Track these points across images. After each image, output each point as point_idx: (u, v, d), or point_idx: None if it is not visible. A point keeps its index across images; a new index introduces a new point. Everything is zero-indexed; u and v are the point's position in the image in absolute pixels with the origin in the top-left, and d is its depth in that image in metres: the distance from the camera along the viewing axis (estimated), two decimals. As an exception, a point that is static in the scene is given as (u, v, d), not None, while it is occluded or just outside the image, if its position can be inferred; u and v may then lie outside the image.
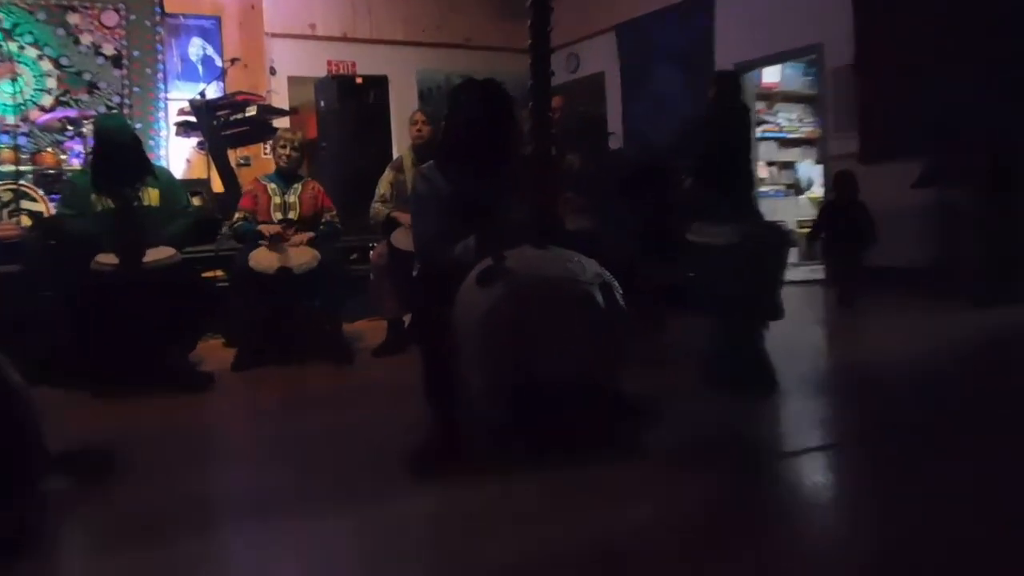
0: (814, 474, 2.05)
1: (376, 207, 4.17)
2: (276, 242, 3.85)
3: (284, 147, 4.13)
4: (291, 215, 4.07)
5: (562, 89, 5.63)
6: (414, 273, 2.65)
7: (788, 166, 8.56)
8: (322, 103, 6.29)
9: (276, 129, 5.46)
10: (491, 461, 2.11)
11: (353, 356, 3.89)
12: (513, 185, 2.48)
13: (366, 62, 7.86)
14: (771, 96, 8.22)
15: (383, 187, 4.20)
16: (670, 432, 2.35)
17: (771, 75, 7.84)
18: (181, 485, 2.18)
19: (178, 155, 7.01)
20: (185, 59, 7.23)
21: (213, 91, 6.41)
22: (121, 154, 3.51)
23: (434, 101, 7.84)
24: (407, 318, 3.99)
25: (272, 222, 4.00)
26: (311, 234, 3.98)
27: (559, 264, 2.15)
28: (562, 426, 2.12)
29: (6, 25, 6.45)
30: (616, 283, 2.19)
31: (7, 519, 1.72)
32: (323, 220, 4.15)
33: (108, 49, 6.87)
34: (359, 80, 6.18)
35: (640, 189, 4.10)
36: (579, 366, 2.11)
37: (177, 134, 6.40)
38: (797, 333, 4.03)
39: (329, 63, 7.88)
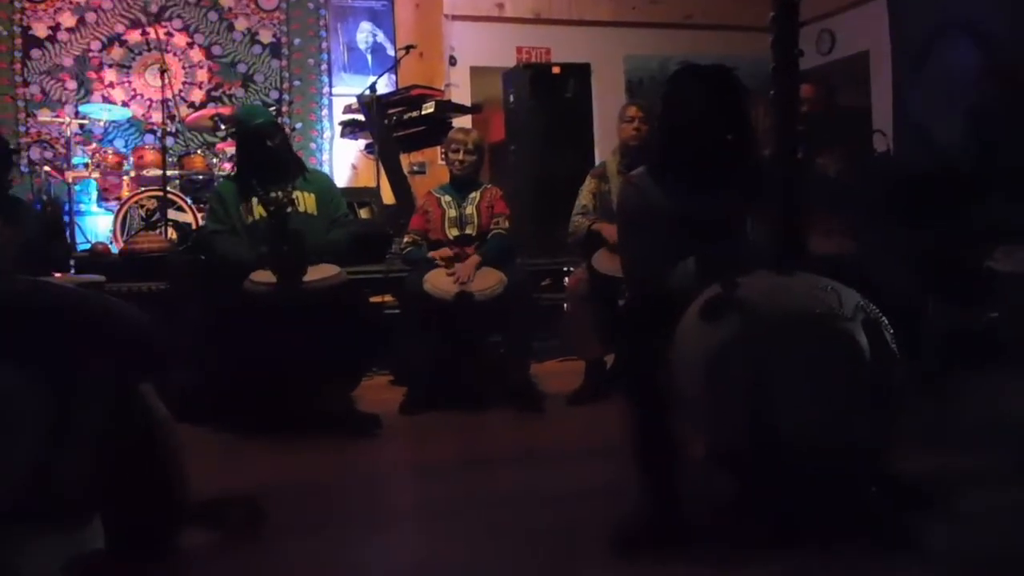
0: None
1: (576, 220, 4.26)
2: (450, 265, 4.04)
3: (457, 151, 4.32)
4: (468, 230, 4.26)
5: (813, 74, 5.47)
6: (621, 303, 2.69)
7: None
8: (511, 98, 6.53)
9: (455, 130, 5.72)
10: (717, 545, 2.09)
11: (543, 403, 3.98)
12: (747, 196, 2.46)
13: (564, 48, 8.07)
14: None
15: (584, 197, 4.29)
16: (958, 528, 2.21)
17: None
18: (335, 548, 2.31)
19: (343, 160, 7.56)
20: (352, 47, 7.77)
21: (384, 85, 6.82)
22: (266, 149, 3.81)
23: (645, 93, 7.91)
24: (610, 359, 4.03)
25: (447, 240, 4.22)
26: (477, 258, 4.09)
27: (808, 294, 2.10)
28: (811, 506, 2.06)
29: (152, 7, 7.12)
30: (885, 320, 2.10)
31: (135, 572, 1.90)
32: (491, 227, 4.26)
33: (265, 36, 7.49)
34: (556, 69, 6.37)
35: (920, 203, 3.90)
36: (836, 428, 2.04)
37: (342, 135, 6.88)
38: None
39: (519, 50, 8.16)
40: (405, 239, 4.37)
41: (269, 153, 3.85)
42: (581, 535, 2.26)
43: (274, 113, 6.44)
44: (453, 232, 4.26)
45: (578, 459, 3.15)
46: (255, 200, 3.80)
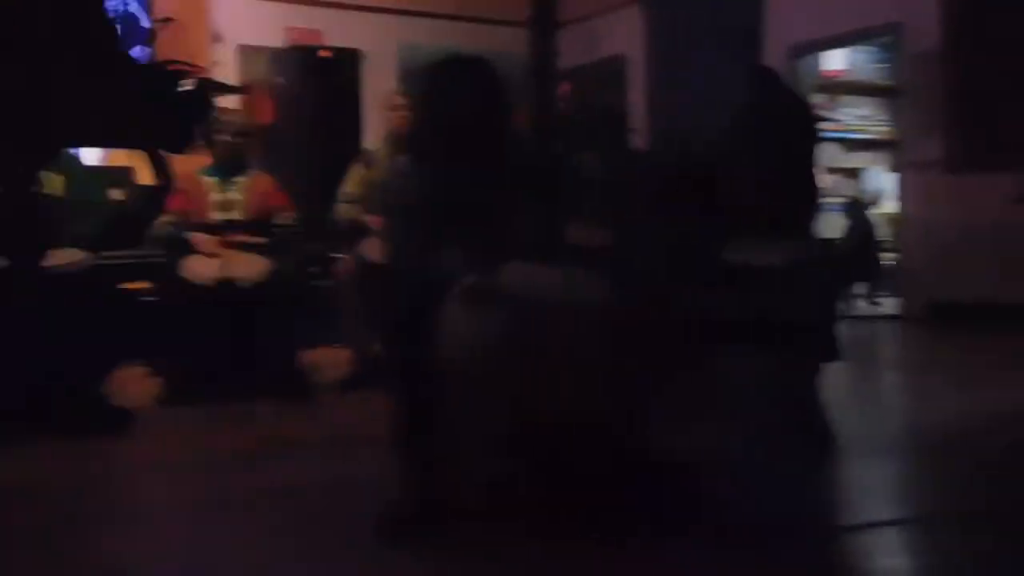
0: (884, 555, 2.07)
1: (342, 208, 4.22)
2: (212, 250, 3.89)
3: (223, 132, 4.18)
4: (234, 214, 4.12)
5: (575, 74, 5.71)
6: (388, 291, 2.69)
7: (854, 173, 8.66)
8: (280, 80, 6.36)
9: (218, 111, 5.50)
10: (480, 529, 2.13)
11: (310, 392, 3.92)
12: (507, 187, 2.52)
13: (336, 32, 7.93)
14: (835, 87, 8.34)
15: (351, 185, 4.26)
16: (708, 499, 2.35)
17: (836, 60, 7.96)
18: (76, 554, 2.17)
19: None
20: (104, 17, 7.26)
21: (140, 59, 6.45)
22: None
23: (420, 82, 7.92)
24: (378, 346, 4.01)
25: (211, 224, 4.04)
26: (260, 239, 4.02)
27: (566, 284, 2.18)
28: (571, 487, 2.13)
29: None
30: (640, 309, 2.22)
31: None
32: (276, 222, 4.18)
33: (8, 3, 6.90)
34: (326, 53, 6.27)
35: (672, 199, 4.15)
36: (594, 413, 2.13)
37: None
38: (864, 380, 4.07)
39: (289, 31, 7.95)
40: (164, 220, 4.15)
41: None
42: (347, 523, 2.24)
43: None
44: (217, 216, 4.11)
45: (345, 447, 3.12)
46: None
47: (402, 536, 2.09)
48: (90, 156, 6.54)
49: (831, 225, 7.19)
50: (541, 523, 2.13)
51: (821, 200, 3.77)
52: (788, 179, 3.30)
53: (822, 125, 5.11)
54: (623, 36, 8.42)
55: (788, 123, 3.43)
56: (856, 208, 7.43)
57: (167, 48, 6.82)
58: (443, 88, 2.55)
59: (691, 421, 3.06)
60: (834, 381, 3.05)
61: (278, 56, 6.49)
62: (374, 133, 6.41)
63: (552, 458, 2.15)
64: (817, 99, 7.75)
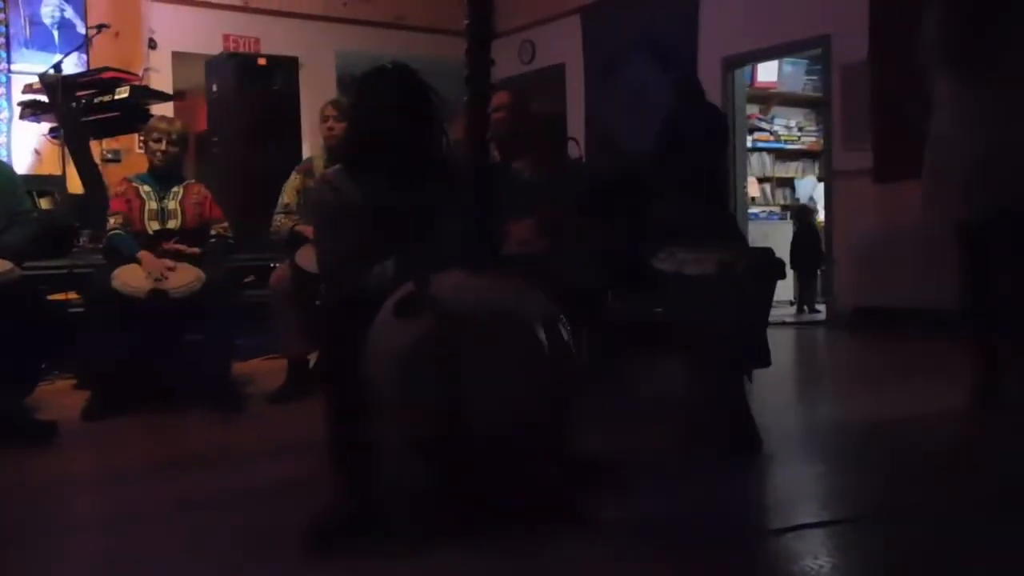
0: (807, 557, 2.12)
1: (279, 219, 4.19)
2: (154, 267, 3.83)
3: (159, 140, 4.13)
4: (171, 224, 4.08)
5: (514, 82, 5.75)
6: (320, 301, 2.69)
7: (785, 183, 8.86)
8: (215, 87, 6.29)
9: (152, 118, 5.43)
10: (409, 535, 2.14)
11: (244, 403, 3.89)
12: (440, 196, 2.54)
13: (273, 39, 7.90)
14: (767, 98, 8.54)
15: (288, 195, 4.24)
16: (632, 501, 2.41)
17: (767, 73, 8.15)
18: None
19: (23, 144, 6.92)
20: (36, 21, 7.16)
21: (73, 65, 6.35)
22: None
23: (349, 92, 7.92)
24: (313, 356, 4.00)
25: (146, 234, 4.00)
26: (196, 250, 3.97)
27: (495, 293, 2.20)
28: (496, 492, 2.17)
29: None
30: (563, 318, 2.26)
31: None
32: (211, 233, 4.15)
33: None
34: (262, 61, 6.23)
35: (604, 206, 4.20)
36: (518, 418, 2.16)
37: (22, 117, 6.29)
38: (789, 384, 4.15)
39: (226, 38, 7.90)
40: (111, 221, 4.06)
41: None
42: (276, 533, 2.22)
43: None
44: (154, 225, 4.06)
45: (276, 457, 3.11)
46: None
47: (331, 544, 2.09)
48: (19, 164, 6.44)
49: (765, 232, 7.39)
50: (465, 529, 2.14)
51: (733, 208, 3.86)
52: (711, 186, 3.37)
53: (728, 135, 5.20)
54: (561, 46, 8.50)
55: (706, 133, 3.51)
56: (803, 214, 7.60)
57: (102, 55, 6.75)
58: (369, 98, 2.58)
59: (614, 423, 3.13)
60: (761, 385, 3.11)
61: (214, 63, 6.41)
62: (311, 141, 6.40)
63: (475, 464, 2.17)
64: (750, 110, 7.93)
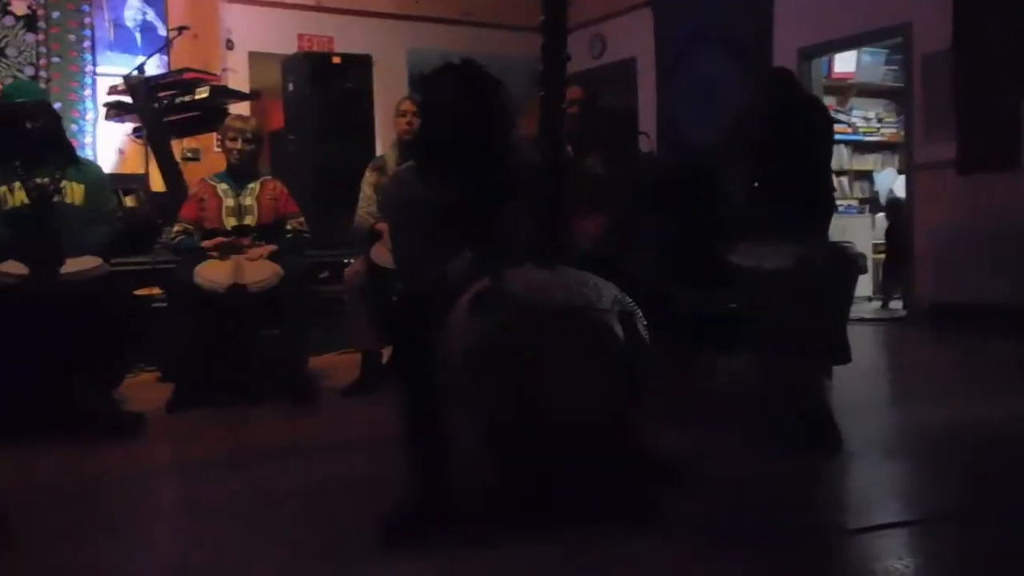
0: (890, 557, 2.07)
1: (361, 215, 4.23)
2: (226, 252, 3.92)
3: (235, 138, 4.21)
4: (248, 220, 4.15)
5: (583, 77, 5.71)
6: (395, 297, 2.71)
7: (863, 176, 8.64)
8: (290, 85, 6.39)
9: (231, 117, 5.54)
10: (483, 528, 2.15)
11: (317, 396, 3.94)
12: (512, 191, 2.54)
13: (346, 38, 8.00)
14: (844, 89, 8.34)
15: (367, 191, 4.27)
16: (705, 499, 2.38)
17: (844, 63, 7.96)
18: (89, 558, 2.18)
19: (108, 144, 7.12)
20: (119, 24, 7.34)
21: (155, 66, 6.51)
22: (31, 131, 3.57)
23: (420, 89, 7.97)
24: (386, 351, 4.04)
25: (224, 230, 4.08)
26: (272, 247, 4.05)
27: (570, 288, 2.20)
28: (568, 487, 2.17)
29: None
30: (640, 313, 2.24)
31: None
32: (287, 228, 4.22)
33: (19, 7, 6.93)
34: (336, 59, 6.29)
35: (676, 200, 4.16)
36: (592, 414, 2.15)
37: (107, 118, 6.47)
38: (870, 381, 4.05)
39: (300, 38, 8.02)
40: (176, 228, 4.19)
41: (33, 136, 3.59)
42: (350, 524, 2.25)
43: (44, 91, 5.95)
44: (231, 222, 4.14)
45: (350, 450, 3.15)
46: (17, 185, 3.54)
47: (403, 536, 2.11)
48: (104, 163, 6.64)
49: (843, 226, 7.21)
50: (536, 524, 2.14)
51: (833, 202, 3.78)
52: (800, 180, 3.30)
53: (835, 127, 5.08)
54: (632, 39, 8.43)
55: (804, 124, 3.43)
56: (896, 208, 7.37)
57: (182, 56, 6.91)
58: (437, 95, 2.59)
59: (686, 420, 3.10)
60: (840, 382, 3.04)
61: (290, 62, 6.52)
62: (384, 138, 6.46)
63: (547, 460, 2.17)
64: (826, 102, 7.75)
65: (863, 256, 3.07)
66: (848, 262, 2.93)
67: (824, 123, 3.65)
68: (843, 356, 3.03)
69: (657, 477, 2.42)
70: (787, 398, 2.94)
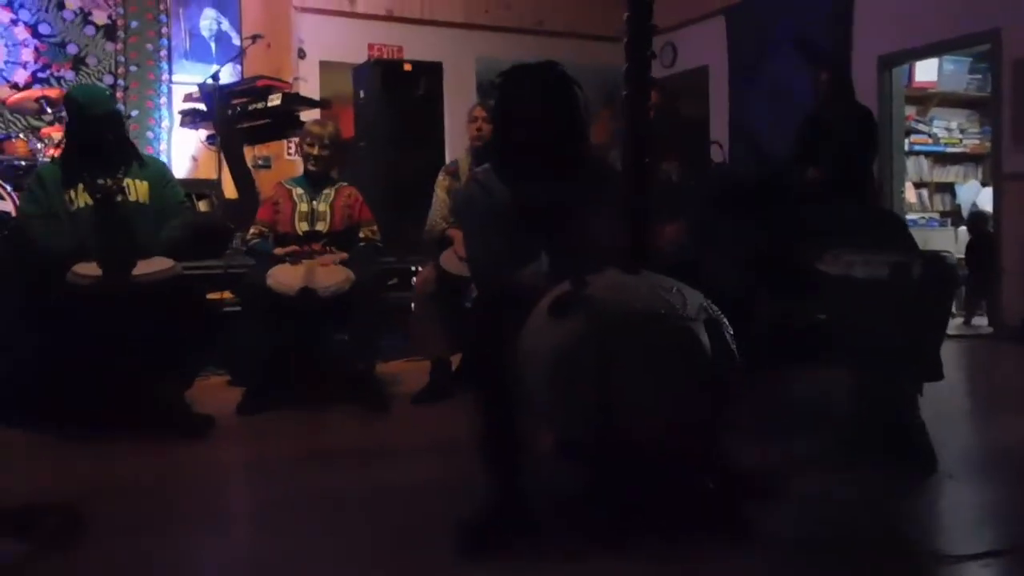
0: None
1: (433, 221, 4.21)
2: (297, 257, 3.93)
3: (312, 144, 4.24)
4: (319, 226, 4.17)
5: (657, 83, 5.62)
6: (468, 304, 2.67)
7: (944, 188, 8.39)
8: (361, 93, 6.42)
9: (303, 123, 5.58)
10: (560, 539, 2.10)
11: (387, 402, 3.91)
12: (588, 194, 2.48)
13: (416, 47, 8.02)
14: (925, 99, 8.09)
15: (440, 195, 4.24)
16: (790, 518, 2.29)
17: (926, 72, 7.73)
18: (162, 553, 2.19)
19: (183, 150, 7.25)
20: (195, 34, 7.48)
21: (228, 74, 6.61)
22: (99, 133, 3.60)
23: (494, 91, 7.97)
24: (456, 358, 4.00)
25: (296, 235, 4.10)
26: (343, 254, 4.05)
27: (654, 293, 2.12)
28: (649, 499, 2.11)
29: None
30: (726, 322, 2.15)
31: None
32: (360, 235, 4.23)
33: (100, 17, 7.10)
34: (407, 67, 6.30)
35: (753, 209, 4.06)
36: (675, 424, 2.07)
37: (182, 124, 6.61)
38: (960, 399, 3.89)
39: (371, 47, 8.08)
40: (251, 230, 4.23)
41: (102, 139, 3.62)
42: (423, 532, 2.23)
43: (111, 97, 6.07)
44: (303, 227, 4.16)
45: (419, 456, 3.13)
46: (81, 186, 3.55)
47: (479, 546, 2.06)
48: (178, 169, 6.76)
49: (925, 239, 6.97)
50: (618, 535, 2.09)
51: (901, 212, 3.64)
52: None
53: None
54: (704, 47, 8.31)
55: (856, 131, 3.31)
56: (978, 221, 7.11)
57: (255, 65, 7.01)
58: (516, 95, 2.54)
59: (772, 434, 2.99)
60: (931, 400, 2.90)
61: (361, 69, 6.56)
62: (454, 146, 6.45)
63: (630, 470, 2.10)
64: (907, 111, 7.52)
65: (959, 266, 2.91)
66: (946, 272, 2.78)
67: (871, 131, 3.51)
68: (936, 372, 2.88)
69: (742, 490, 2.33)
70: (879, 414, 2.80)
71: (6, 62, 6.76)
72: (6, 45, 6.78)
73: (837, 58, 6.79)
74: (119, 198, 3.45)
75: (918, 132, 8.06)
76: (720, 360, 2.08)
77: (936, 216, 8.20)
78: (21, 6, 6.81)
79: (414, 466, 2.98)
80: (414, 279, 5.02)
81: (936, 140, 8.18)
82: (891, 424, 2.77)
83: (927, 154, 8.18)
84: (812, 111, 4.93)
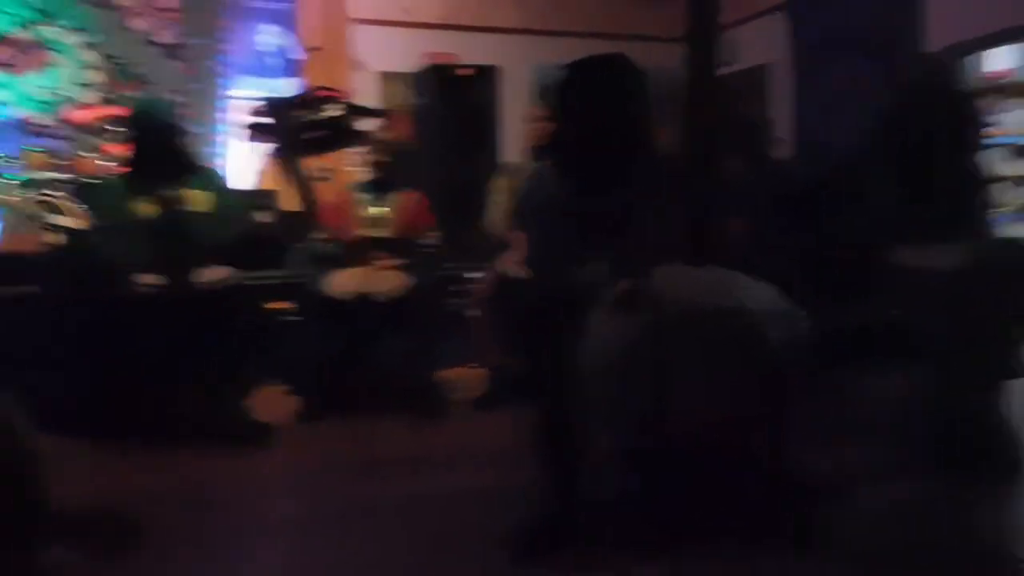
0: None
1: (491, 224, 4.18)
2: (357, 262, 3.96)
3: (375, 151, 4.34)
4: (381, 232, 4.19)
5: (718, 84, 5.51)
6: (527, 305, 2.62)
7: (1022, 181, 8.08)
8: (418, 100, 6.44)
9: (362, 134, 5.62)
10: (616, 547, 2.06)
11: (446, 409, 3.90)
12: (650, 188, 2.40)
13: (472, 55, 7.99)
14: (1000, 89, 7.81)
15: (499, 196, 4.22)
16: (862, 526, 2.21)
17: (1000, 60, 7.46)
18: (217, 561, 2.21)
19: (243, 164, 7.33)
20: (254, 49, 7.58)
21: (287, 88, 6.67)
22: (161, 144, 3.66)
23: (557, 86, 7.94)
24: (515, 364, 3.94)
25: (359, 240, 4.13)
26: (403, 260, 4.05)
27: (721, 288, 2.04)
28: (710, 505, 2.05)
29: (39, 5, 6.80)
30: (798, 319, 2.06)
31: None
32: (421, 242, 4.22)
33: (163, 36, 7.25)
34: (463, 71, 6.29)
35: (819, 206, 3.94)
36: (740, 424, 1.99)
37: (242, 138, 6.68)
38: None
39: (426, 56, 8.09)
40: (313, 236, 4.28)
41: (164, 149, 3.68)
42: (480, 539, 2.21)
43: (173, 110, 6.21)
44: (365, 232, 4.19)
45: (478, 463, 3.11)
46: (145, 198, 3.62)
47: (539, 553, 2.04)
48: (238, 182, 6.85)
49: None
50: (675, 543, 2.05)
51: (989, 197, 3.47)
52: (954, 172, 3.03)
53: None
54: (764, 44, 8.15)
55: (955, 114, 3.16)
56: None
57: (314, 76, 7.09)
58: (580, 87, 2.46)
59: (841, 437, 2.86)
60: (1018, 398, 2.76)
61: (418, 76, 6.58)
62: (510, 152, 6.42)
63: (690, 475, 2.04)
64: (980, 102, 7.26)
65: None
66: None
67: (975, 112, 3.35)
68: (1019, 369, 2.73)
69: (811, 498, 2.22)
70: (958, 413, 2.66)
71: (74, 83, 6.94)
72: (75, 67, 6.97)
73: (907, 50, 6.60)
74: (180, 208, 3.53)
75: (992, 124, 7.78)
76: (790, 357, 1.99)
77: (1010, 211, 7.90)
78: (89, 29, 7.00)
79: (471, 473, 2.97)
80: (472, 285, 5.00)
81: (1012, 132, 7.89)
82: (971, 424, 2.63)
83: (1004, 146, 7.89)
84: (890, 105, 4.75)
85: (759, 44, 8.22)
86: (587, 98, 2.43)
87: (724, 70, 8.36)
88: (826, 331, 2.97)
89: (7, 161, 6.16)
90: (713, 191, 2.77)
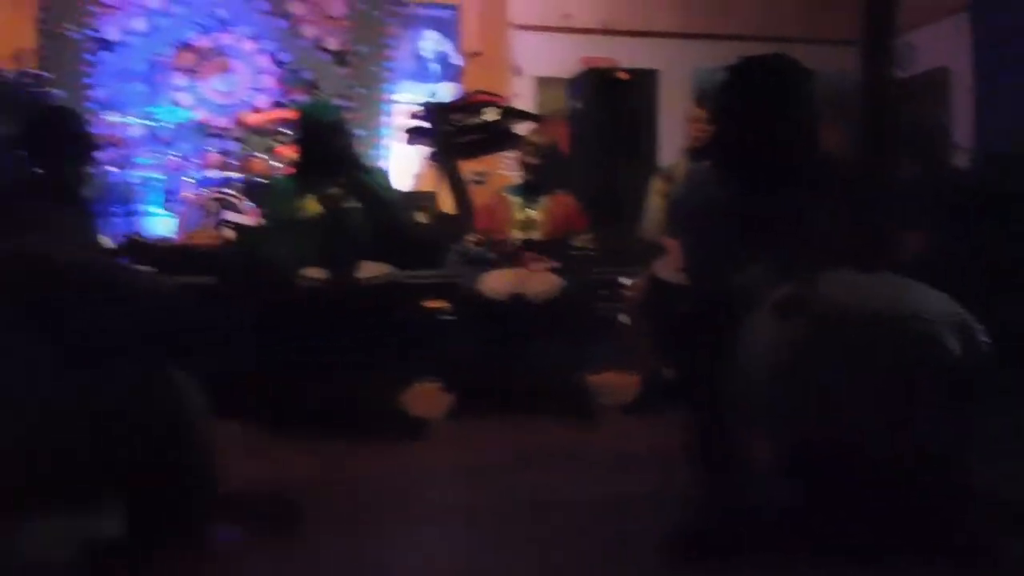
0: None
1: (647, 227, 4.15)
2: (510, 263, 4.00)
3: (530, 153, 4.36)
4: (534, 234, 4.22)
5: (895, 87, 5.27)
6: (683, 309, 2.58)
7: None
8: (576, 104, 6.45)
9: (519, 138, 5.67)
10: (779, 556, 1.98)
11: (597, 411, 3.88)
12: (815, 191, 2.31)
13: (631, 59, 7.92)
14: None
15: (655, 200, 4.17)
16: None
17: None
18: (372, 550, 2.26)
19: (405, 167, 7.55)
20: (417, 55, 7.83)
21: (448, 92, 6.82)
22: (328, 144, 3.80)
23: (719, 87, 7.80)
24: (669, 369, 3.88)
25: (512, 242, 4.18)
26: (556, 262, 4.08)
27: (893, 294, 1.94)
28: (877, 519, 1.93)
29: (222, 14, 7.27)
30: (980, 326, 1.93)
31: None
32: (574, 244, 4.23)
33: (332, 44, 7.58)
34: (622, 75, 6.26)
35: (999, 214, 3.71)
36: (914, 438, 1.88)
37: (404, 142, 6.88)
38: None
39: (584, 61, 8.10)
40: (469, 238, 4.34)
41: (330, 149, 3.83)
42: (631, 543, 2.18)
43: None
44: (518, 234, 4.23)
45: (631, 468, 3.06)
46: (312, 196, 3.78)
47: (695, 561, 1.99)
48: (400, 184, 7.06)
49: None
50: (846, 558, 1.94)
51: None
52: None
53: None
54: (945, 48, 7.73)
55: None
56: None
57: (473, 81, 7.24)
58: (743, 87, 2.41)
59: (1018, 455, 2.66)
60: None
61: (576, 80, 6.60)
62: (669, 153, 6.33)
63: (858, 488, 1.94)
64: None
65: None
66: None
67: None
68: None
69: (988, 515, 2.08)
70: None
71: (250, 88, 7.37)
72: (250, 73, 7.39)
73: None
74: (345, 205, 3.68)
75: None
76: (969, 367, 1.87)
77: None
78: (263, 37, 7.42)
79: (622, 476, 2.94)
80: (625, 290, 4.96)
81: None
82: None
83: None
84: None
85: (939, 47, 7.82)
86: (748, 98, 2.38)
87: (901, 73, 8.06)
88: (1003, 343, 2.79)
89: (189, 161, 6.58)
90: (885, 196, 2.64)
